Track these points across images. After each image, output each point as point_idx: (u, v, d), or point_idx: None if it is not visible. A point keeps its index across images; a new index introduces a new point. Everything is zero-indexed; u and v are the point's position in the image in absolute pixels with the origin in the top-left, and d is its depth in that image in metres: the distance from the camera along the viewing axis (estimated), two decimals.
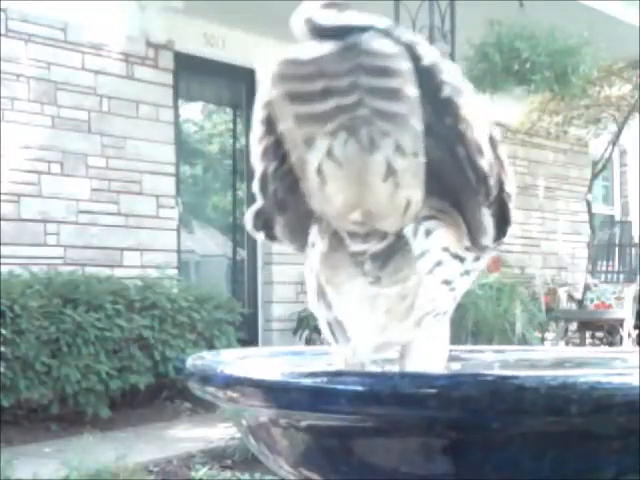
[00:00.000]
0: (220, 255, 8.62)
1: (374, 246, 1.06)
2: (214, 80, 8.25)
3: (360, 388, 0.96)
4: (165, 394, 6.21)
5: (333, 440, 1.03)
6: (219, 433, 4.85)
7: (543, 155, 11.28)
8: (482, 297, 6.22)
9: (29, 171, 6.39)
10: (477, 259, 1.11)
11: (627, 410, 0.92)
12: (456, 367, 1.42)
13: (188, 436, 5.38)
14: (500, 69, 6.74)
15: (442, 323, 1.12)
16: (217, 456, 4.68)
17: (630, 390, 0.92)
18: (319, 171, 0.99)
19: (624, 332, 8.29)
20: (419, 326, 1.08)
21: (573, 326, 9.06)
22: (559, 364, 1.56)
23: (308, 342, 7.25)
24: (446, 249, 1.07)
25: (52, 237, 6.47)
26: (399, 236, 1.05)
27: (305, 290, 1.16)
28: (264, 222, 1.13)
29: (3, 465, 3.94)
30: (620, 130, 10.11)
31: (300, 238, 1.13)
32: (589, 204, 10.30)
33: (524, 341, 6.09)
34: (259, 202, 1.11)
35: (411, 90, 0.93)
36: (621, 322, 8.38)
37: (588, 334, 8.98)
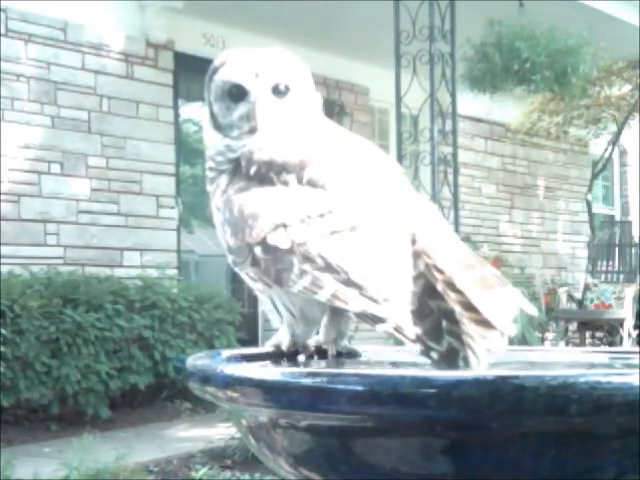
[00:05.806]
0: (220, 255, 8.49)
1: None
2: None
3: (360, 388, 0.96)
4: (165, 394, 6.21)
5: (333, 440, 1.03)
6: (219, 433, 4.85)
7: (543, 155, 11.27)
8: None
9: (29, 171, 6.38)
10: None
11: (627, 410, 0.91)
12: None
13: (188, 436, 5.37)
14: (500, 69, 6.73)
15: None
16: (217, 456, 4.67)
17: (630, 390, 0.91)
18: None
19: (624, 332, 8.28)
20: None
21: (573, 326, 9.04)
22: None
23: None
24: None
25: (52, 237, 6.47)
26: None
27: None
28: None
29: (3, 465, 3.93)
30: (620, 130, 10.10)
31: None
32: (589, 204, 10.29)
33: (524, 341, 6.08)
34: None
35: None
36: (621, 322, 8.37)
37: (588, 334, 8.96)
